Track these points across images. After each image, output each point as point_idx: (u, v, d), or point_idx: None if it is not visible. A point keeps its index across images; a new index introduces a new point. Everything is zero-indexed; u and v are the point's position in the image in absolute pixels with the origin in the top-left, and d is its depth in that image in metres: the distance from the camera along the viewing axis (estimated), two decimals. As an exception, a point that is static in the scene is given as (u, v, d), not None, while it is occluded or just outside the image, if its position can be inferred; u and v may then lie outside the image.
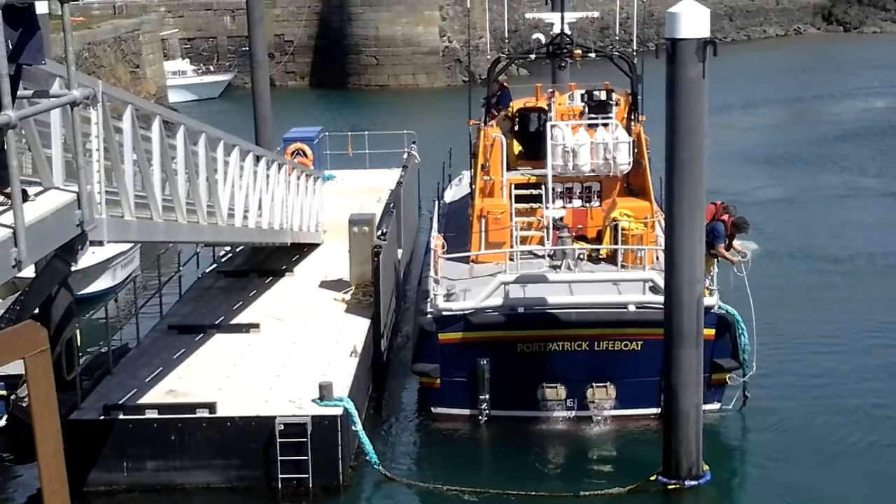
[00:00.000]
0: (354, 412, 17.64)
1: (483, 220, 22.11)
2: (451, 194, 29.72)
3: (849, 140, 51.37)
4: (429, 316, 19.65)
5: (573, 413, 19.59)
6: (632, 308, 19.09)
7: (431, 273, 20.45)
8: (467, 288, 20.20)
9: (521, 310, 19.31)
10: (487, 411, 19.56)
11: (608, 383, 19.36)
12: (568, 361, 19.24)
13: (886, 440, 18.92)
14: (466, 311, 19.35)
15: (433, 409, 20.04)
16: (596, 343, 19.12)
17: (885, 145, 49.77)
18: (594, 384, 19.38)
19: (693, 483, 17.07)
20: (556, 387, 19.44)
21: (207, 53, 78.06)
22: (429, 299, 20.02)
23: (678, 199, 16.66)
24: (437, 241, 20.99)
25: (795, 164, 45.94)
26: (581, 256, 21.48)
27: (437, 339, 19.40)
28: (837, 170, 44.51)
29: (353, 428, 17.69)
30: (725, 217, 19.79)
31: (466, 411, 19.77)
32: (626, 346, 19.07)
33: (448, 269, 20.70)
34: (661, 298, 18.44)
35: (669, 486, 17.06)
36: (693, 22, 15.99)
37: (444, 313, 19.40)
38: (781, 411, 20.13)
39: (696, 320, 16.84)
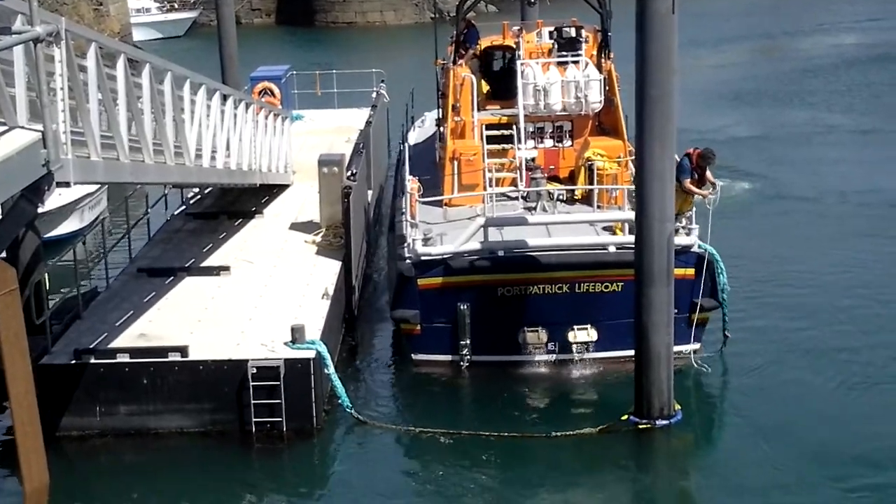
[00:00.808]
0: (327, 355, 17.61)
1: (456, 162, 21.89)
2: (414, 136, 29.45)
3: (818, 76, 51.50)
4: (407, 261, 19.39)
5: (555, 356, 19.49)
6: (612, 249, 18.98)
7: (407, 217, 20.16)
8: (444, 232, 19.98)
9: (501, 253, 19.13)
10: (469, 356, 19.39)
11: (589, 325, 19.22)
12: (549, 304, 19.11)
13: (858, 380, 18.93)
14: (446, 256, 19.13)
15: (414, 356, 19.81)
16: (577, 285, 18.98)
17: (854, 80, 49.90)
18: (575, 327, 19.23)
19: (664, 422, 17.14)
20: (537, 330, 19.28)
21: (172, -10, 76.95)
22: (406, 244, 19.78)
23: (648, 137, 16.56)
24: (412, 184, 20.68)
25: (765, 100, 46.02)
26: (560, 197, 21.30)
27: (416, 284, 19.16)
28: (806, 106, 44.62)
29: (326, 371, 17.66)
30: (690, 150, 19.66)
31: (448, 357, 19.58)
32: (606, 287, 18.93)
33: (421, 212, 20.45)
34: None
35: (640, 426, 17.15)
36: (663, -45, 15.80)
37: (423, 258, 19.16)
38: (756, 351, 20.15)
39: (666, 259, 16.83)
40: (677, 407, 17.43)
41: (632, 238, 18.59)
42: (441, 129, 24.68)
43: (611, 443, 17.06)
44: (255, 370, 16.82)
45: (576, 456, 16.86)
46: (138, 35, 66.29)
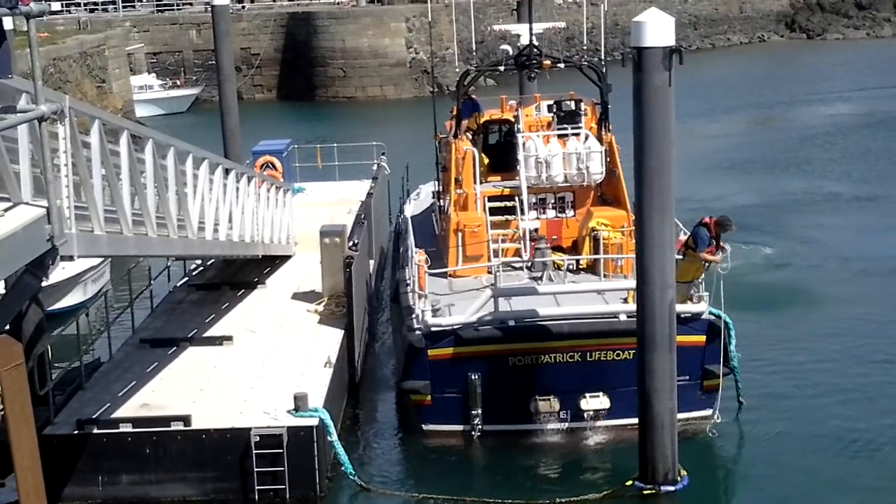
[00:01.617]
0: (330, 423, 17.66)
1: (460, 234, 22.05)
2: (410, 209, 29.67)
3: (814, 144, 51.96)
4: (417, 332, 19.38)
5: (567, 425, 19.44)
6: (623, 317, 18.94)
7: (415, 288, 20.20)
8: (451, 302, 20.01)
9: (512, 323, 19.15)
10: (480, 426, 19.33)
11: (601, 393, 19.19)
12: (560, 373, 19.12)
13: (873, 452, 18.76)
14: (456, 326, 19.15)
15: (424, 426, 19.74)
16: (588, 354, 18.99)
17: (849, 148, 50.39)
18: (587, 395, 19.20)
19: (669, 488, 17.13)
20: (549, 399, 19.22)
21: (174, 68, 77.85)
22: (414, 315, 19.83)
23: (647, 207, 16.80)
24: (419, 255, 20.73)
25: (762, 169, 46.36)
26: (570, 267, 21.41)
27: (426, 355, 19.16)
28: (803, 174, 44.99)
29: (329, 438, 17.70)
30: (707, 220, 19.79)
31: (459, 427, 19.53)
32: (618, 355, 18.89)
33: (427, 284, 20.37)
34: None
35: (645, 492, 17.14)
36: (659, 30, 16.16)
37: (433, 329, 19.16)
38: (770, 419, 20.09)
39: (668, 326, 16.95)
40: (683, 473, 17.40)
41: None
42: (441, 201, 24.93)
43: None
44: (258, 438, 16.86)
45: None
46: (141, 111, 66.95)
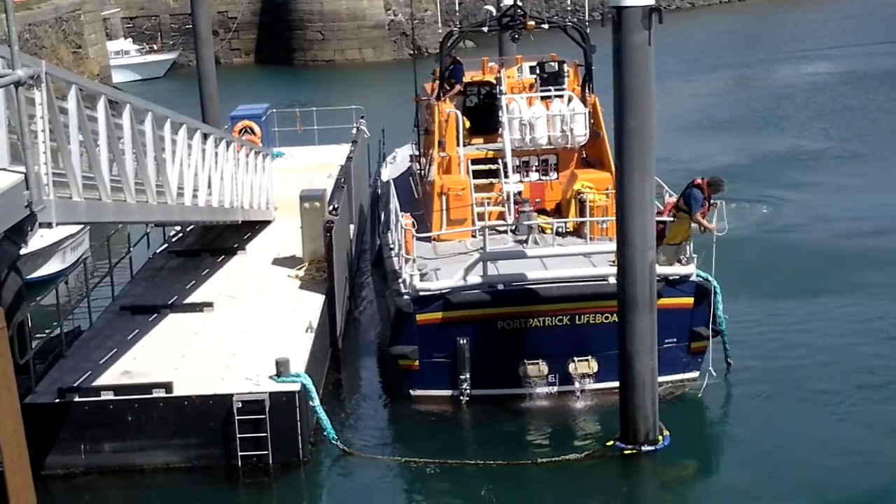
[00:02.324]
0: (312, 388, 17.65)
1: (444, 198, 21.96)
2: (387, 172, 29.54)
3: (793, 102, 52.05)
4: (405, 297, 19.30)
5: (555, 388, 19.43)
6: (611, 280, 18.78)
7: (400, 252, 20.11)
8: (437, 267, 19.94)
9: (501, 286, 19.08)
10: (468, 391, 19.30)
11: (590, 357, 19.17)
12: (549, 337, 19.13)
13: (857, 413, 18.76)
14: (445, 291, 19.08)
15: (412, 392, 19.67)
16: (577, 317, 18.97)
17: (828, 106, 50.46)
18: (576, 358, 19.20)
19: (649, 448, 17.23)
20: (537, 363, 19.22)
21: (150, 32, 77.28)
22: (401, 279, 19.75)
23: (628, 167, 16.77)
24: (406, 219, 20.61)
25: (743, 128, 46.43)
26: (559, 230, 21.32)
27: (415, 319, 19.09)
28: (782, 132, 45.07)
29: (311, 404, 17.70)
30: (699, 181, 19.73)
31: (447, 392, 19.50)
32: (606, 318, 18.82)
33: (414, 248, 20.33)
34: None
35: (626, 452, 17.24)
36: (638, -10, 16.06)
37: (422, 293, 19.09)
38: (756, 381, 20.10)
39: (648, 287, 16.98)
40: (666, 433, 17.48)
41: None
42: (421, 164, 24.80)
43: (596, 468, 17.15)
44: (240, 404, 16.84)
45: (561, 481, 16.92)
46: (118, 77, 66.48)
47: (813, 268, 26.84)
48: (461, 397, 19.39)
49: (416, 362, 19.38)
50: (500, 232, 21.37)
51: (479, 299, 19.08)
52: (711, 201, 19.72)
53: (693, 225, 19.67)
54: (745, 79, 61.49)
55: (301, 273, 23.14)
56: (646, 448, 17.24)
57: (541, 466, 17.26)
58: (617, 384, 18.00)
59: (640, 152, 16.67)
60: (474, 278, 19.15)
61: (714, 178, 19.89)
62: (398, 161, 30.44)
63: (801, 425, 18.48)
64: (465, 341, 19.06)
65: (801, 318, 23.22)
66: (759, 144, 42.46)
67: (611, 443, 17.42)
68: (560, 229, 21.36)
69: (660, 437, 17.41)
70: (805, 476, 16.76)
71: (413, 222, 20.58)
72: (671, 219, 19.72)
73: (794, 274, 26.33)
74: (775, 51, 70.41)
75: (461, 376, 19.24)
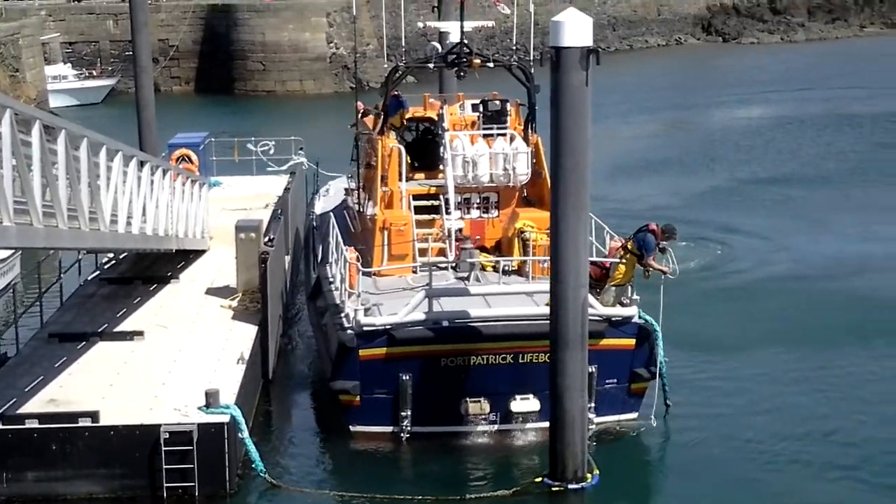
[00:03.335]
0: (241, 420, 17.51)
1: (386, 232, 21.91)
2: (320, 205, 29.52)
3: (727, 145, 53.08)
4: (349, 331, 19.18)
5: (496, 427, 19.41)
6: None
7: (346, 287, 20.02)
8: (379, 302, 19.88)
9: (445, 323, 19.03)
10: (409, 428, 19.24)
11: (531, 395, 19.11)
12: (492, 374, 19.07)
13: (785, 462, 18.88)
14: (389, 326, 18.97)
15: (352, 427, 19.51)
16: (520, 355, 18.96)
17: (761, 149, 51.56)
18: (518, 397, 19.16)
19: (577, 486, 17.26)
20: (479, 401, 19.16)
21: (90, 58, 76.54)
22: (344, 314, 19.65)
23: (563, 206, 16.95)
24: (350, 253, 20.51)
25: (677, 169, 47.11)
26: (506, 269, 21.30)
27: (358, 355, 18.96)
28: (716, 174, 45.86)
29: (241, 436, 17.55)
30: (654, 227, 19.98)
31: (387, 429, 19.40)
32: (549, 357, 18.74)
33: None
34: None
35: (553, 489, 17.28)
36: (576, 31, 16.31)
37: (366, 328, 18.98)
38: (692, 424, 20.25)
39: (580, 325, 17.11)
40: (596, 472, 17.55)
41: None
42: (360, 198, 24.74)
43: (523, 504, 17.16)
44: (167, 435, 16.65)
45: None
46: (55, 102, 65.75)
47: (751, 311, 27.11)
48: (402, 434, 19.29)
49: (358, 398, 19.23)
50: (440, 268, 21.38)
51: (423, 336, 18.99)
52: (660, 246, 19.98)
53: (637, 269, 19.86)
54: (680, 121, 62.42)
55: (234, 303, 22.98)
56: (573, 486, 17.28)
57: (467, 501, 17.24)
58: None
59: (575, 191, 16.85)
60: (418, 315, 19.08)
61: (668, 226, 20.21)
62: (331, 194, 30.40)
63: (734, 470, 18.56)
64: (407, 377, 18.97)
65: (742, 364, 23.35)
66: (693, 186, 43.07)
67: (539, 479, 17.44)
68: (507, 267, 21.35)
69: (588, 476, 17.47)
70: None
71: (357, 256, 20.55)
72: (617, 260, 19.95)
73: (734, 318, 26.55)
74: (710, 94, 71.64)
75: (402, 413, 19.15)
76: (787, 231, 35.31)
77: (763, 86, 75.48)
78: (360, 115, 32.83)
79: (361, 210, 24.41)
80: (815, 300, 27.82)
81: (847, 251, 32.63)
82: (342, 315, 19.80)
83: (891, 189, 42.14)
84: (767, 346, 24.38)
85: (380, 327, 18.99)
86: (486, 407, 19.23)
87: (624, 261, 19.90)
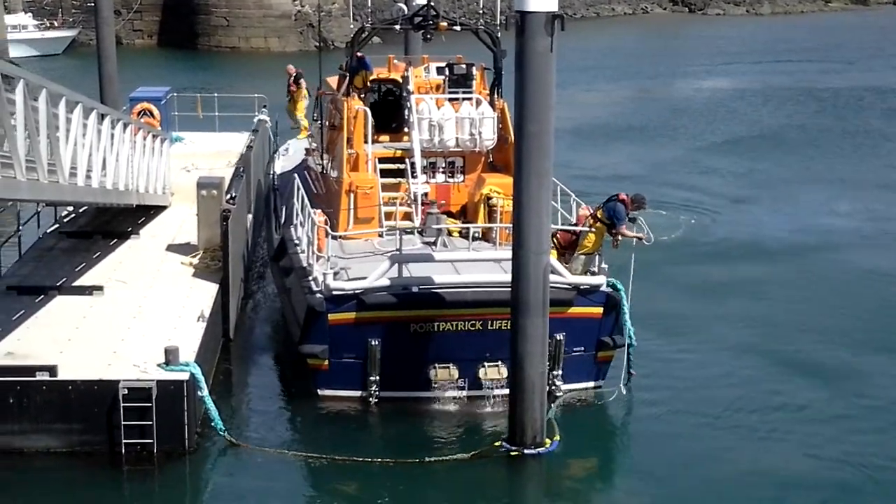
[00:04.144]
0: (201, 377, 17.48)
1: (352, 195, 21.76)
2: (280, 165, 29.28)
3: (688, 115, 53.22)
4: (318, 295, 19.07)
5: (465, 393, 19.40)
6: None
7: (310, 249, 19.92)
8: (347, 266, 19.79)
9: (415, 289, 18.96)
10: (378, 392, 19.22)
11: (500, 363, 19.09)
12: (461, 341, 19.09)
13: (747, 431, 19.05)
14: (358, 291, 18.90)
15: (320, 391, 19.44)
16: (489, 322, 18.93)
17: (722, 120, 51.92)
18: (486, 364, 19.16)
19: (534, 451, 17.39)
20: (448, 367, 19.17)
21: (51, 8, 75.54)
22: (313, 278, 19.56)
23: (525, 172, 16.94)
24: (319, 216, 20.35)
25: (639, 138, 47.24)
26: (475, 234, 21.26)
27: (327, 319, 18.87)
28: (678, 144, 46.02)
29: (200, 394, 17.52)
30: (623, 196, 20.06)
31: (356, 393, 19.36)
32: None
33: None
34: (555, 278, 18.54)
35: (511, 453, 17.39)
36: (542, -5, 16.24)
37: (335, 292, 18.88)
38: (658, 394, 20.36)
39: (541, 291, 17.15)
40: (556, 438, 17.68)
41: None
42: (323, 160, 24.59)
43: (482, 469, 17.27)
44: (126, 391, 16.59)
45: (445, 480, 17.08)
46: (14, 52, 64.76)
47: (719, 280, 27.32)
48: (370, 399, 19.30)
49: (326, 362, 19.19)
50: (406, 233, 21.34)
51: (393, 301, 18.93)
52: (630, 216, 20.09)
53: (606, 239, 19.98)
54: (645, 90, 62.57)
55: (195, 261, 22.86)
56: (530, 451, 17.39)
57: (427, 465, 17.34)
58: None
59: (538, 157, 16.85)
60: (388, 280, 19.03)
61: (637, 195, 20.30)
62: (291, 153, 30.18)
63: (694, 442, 18.66)
64: (376, 342, 18.96)
65: (708, 336, 23.48)
66: (656, 154, 43.26)
67: (498, 444, 17.57)
68: (476, 234, 21.30)
69: (547, 441, 17.60)
70: (691, 490, 17.02)
71: (326, 219, 20.43)
72: (587, 229, 20.03)
73: (702, 287, 26.77)
74: (675, 64, 71.89)
75: (371, 377, 19.15)
76: (749, 201, 35.63)
77: (728, 56, 75.85)
78: (291, 79, 32.67)
79: (325, 171, 24.28)
80: (779, 272, 28.06)
81: (807, 223, 33.05)
82: (310, 278, 19.72)
83: (848, 161, 42.84)
84: (734, 320, 24.55)
85: (349, 292, 18.93)
86: (455, 373, 19.28)
87: (593, 230, 19.99)
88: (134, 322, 19.56)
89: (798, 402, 20.08)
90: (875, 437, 18.75)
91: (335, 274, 19.16)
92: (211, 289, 21.39)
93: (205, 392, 17.62)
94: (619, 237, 20.06)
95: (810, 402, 20.12)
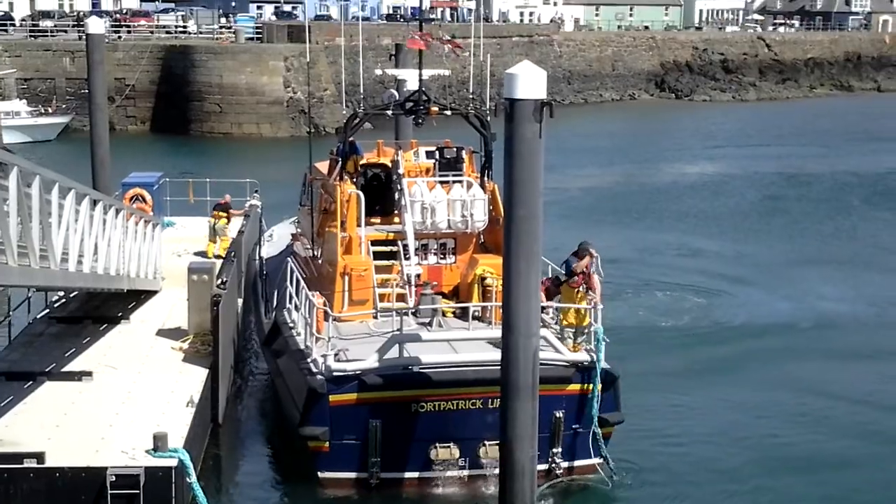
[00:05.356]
0: (189, 464, 17.35)
1: (347, 278, 21.92)
2: (266, 250, 29.46)
3: (675, 198, 53.75)
4: (318, 377, 19.11)
5: (465, 472, 19.38)
6: None
7: (307, 331, 20.02)
8: (345, 347, 19.84)
9: (416, 369, 19.02)
10: (378, 474, 19.17)
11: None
12: (462, 420, 19.11)
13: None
14: (358, 372, 18.94)
15: (321, 474, 19.34)
16: (490, 401, 18.91)
17: (708, 204, 52.41)
18: (487, 442, 19.13)
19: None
20: (449, 446, 19.18)
21: (45, 94, 76.19)
22: (312, 359, 19.60)
23: (514, 255, 17.04)
24: (318, 298, 20.46)
25: (630, 221, 47.54)
26: (475, 314, 21.36)
27: (328, 400, 18.88)
28: (663, 226, 46.40)
29: (188, 480, 17.38)
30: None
31: (356, 475, 19.29)
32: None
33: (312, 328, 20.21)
34: (553, 355, 18.79)
35: (502, 539, 17.27)
36: (530, 83, 16.51)
37: (336, 373, 18.94)
38: (642, 468, 20.45)
39: (531, 374, 17.16)
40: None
41: (546, 354, 18.86)
42: (313, 243, 24.74)
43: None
44: (114, 478, 16.46)
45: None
46: (8, 137, 65.20)
47: (706, 358, 27.55)
48: (371, 480, 19.22)
49: (327, 444, 19.12)
50: (400, 314, 21.39)
51: (394, 381, 18.97)
52: (590, 274, 20.38)
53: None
54: (632, 174, 63.06)
55: (185, 346, 22.86)
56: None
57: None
58: None
59: (526, 241, 16.96)
60: (389, 360, 19.06)
61: (580, 245, 20.78)
62: (275, 239, 30.37)
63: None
64: (377, 423, 18.94)
65: (694, 409, 23.77)
66: (643, 237, 43.53)
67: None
68: (476, 313, 21.39)
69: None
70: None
71: (324, 301, 20.52)
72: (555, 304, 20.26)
73: (687, 363, 26.93)
74: (661, 149, 72.66)
75: (372, 459, 19.10)
76: (737, 284, 35.83)
77: (713, 141, 76.76)
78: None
79: (315, 255, 24.41)
80: (767, 353, 28.18)
81: (794, 304, 33.24)
82: (309, 360, 19.75)
83: (831, 244, 43.41)
84: (720, 389, 24.89)
85: (350, 373, 18.98)
86: (456, 452, 19.28)
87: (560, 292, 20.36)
88: (122, 408, 19.48)
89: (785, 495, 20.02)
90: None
91: (337, 355, 19.21)
92: (201, 373, 21.36)
93: (193, 478, 17.47)
94: (586, 287, 20.27)
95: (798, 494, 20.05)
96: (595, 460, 20.01)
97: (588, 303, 20.39)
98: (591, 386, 19.54)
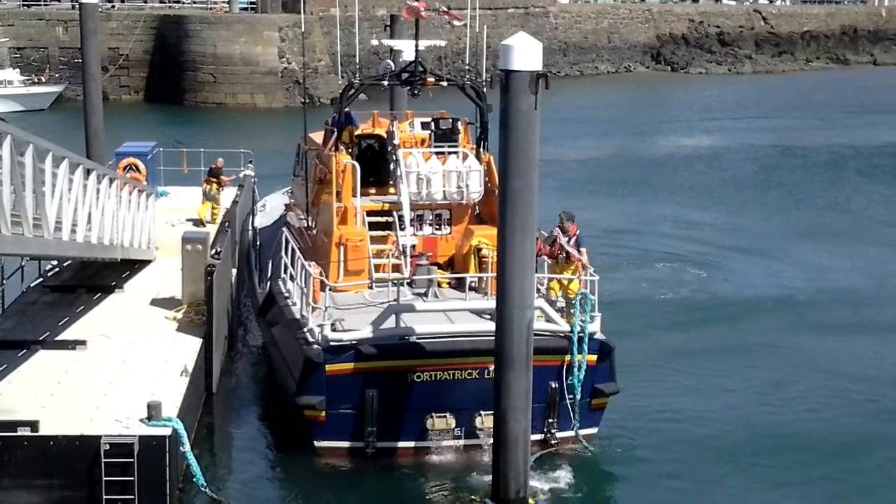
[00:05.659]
0: (184, 433, 17.40)
1: (342, 248, 21.92)
2: (259, 220, 29.42)
3: (671, 170, 53.77)
4: (315, 346, 19.14)
5: (461, 442, 19.46)
6: None
7: (303, 301, 20.03)
8: (341, 317, 19.80)
9: (413, 338, 19.05)
10: (374, 443, 19.21)
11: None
12: (458, 390, 19.16)
13: (741, 477, 19.21)
14: (355, 341, 18.98)
15: (317, 443, 19.37)
16: (486, 371, 18.93)
17: (701, 174, 52.55)
18: (482, 412, 19.17)
19: (517, 507, 17.27)
20: (444, 416, 19.25)
21: (38, 63, 75.82)
22: (308, 329, 19.61)
23: (510, 227, 17.05)
24: (315, 269, 20.44)
25: (623, 192, 47.57)
26: (472, 285, 21.31)
27: (324, 369, 18.90)
28: (658, 197, 46.36)
29: (182, 449, 17.44)
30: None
31: (352, 444, 19.34)
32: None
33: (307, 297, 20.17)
34: (550, 326, 18.83)
35: (494, 509, 17.33)
36: (526, 55, 16.47)
37: (333, 343, 18.96)
38: (650, 442, 20.50)
39: (525, 345, 17.19)
40: (541, 497, 17.59)
41: (542, 325, 18.96)
42: (307, 214, 24.69)
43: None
44: (108, 447, 16.50)
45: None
46: (0, 107, 65.05)
47: (705, 329, 27.65)
48: (367, 449, 19.26)
49: (323, 413, 19.13)
50: (395, 284, 21.39)
51: (391, 351, 19.00)
52: (566, 236, 20.54)
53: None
54: (627, 146, 63.00)
55: (179, 315, 22.85)
56: (513, 507, 17.33)
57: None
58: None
59: (522, 212, 16.97)
60: (385, 330, 19.09)
61: (560, 217, 20.87)
62: (268, 209, 30.31)
63: (693, 488, 18.79)
64: (373, 393, 18.98)
65: (685, 381, 23.76)
66: (639, 209, 43.54)
67: (475, 498, 17.46)
68: (472, 284, 21.37)
69: (531, 501, 17.48)
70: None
71: (321, 271, 20.50)
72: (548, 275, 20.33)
73: (682, 336, 26.99)
74: (657, 121, 72.54)
75: (368, 428, 19.13)
76: (732, 256, 35.90)
77: (709, 114, 76.67)
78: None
79: (309, 226, 24.36)
80: (766, 327, 28.28)
81: (790, 276, 33.35)
82: (305, 330, 19.76)
83: (826, 216, 43.50)
84: (717, 364, 24.89)
85: (347, 342, 19.00)
86: (452, 422, 19.35)
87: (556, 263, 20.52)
88: (116, 377, 19.49)
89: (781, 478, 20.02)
90: None
91: (333, 325, 19.21)
92: (195, 343, 21.36)
93: (187, 447, 17.53)
94: (572, 258, 20.45)
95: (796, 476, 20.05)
96: (590, 430, 20.06)
97: (575, 274, 20.42)
98: (588, 357, 19.56)
